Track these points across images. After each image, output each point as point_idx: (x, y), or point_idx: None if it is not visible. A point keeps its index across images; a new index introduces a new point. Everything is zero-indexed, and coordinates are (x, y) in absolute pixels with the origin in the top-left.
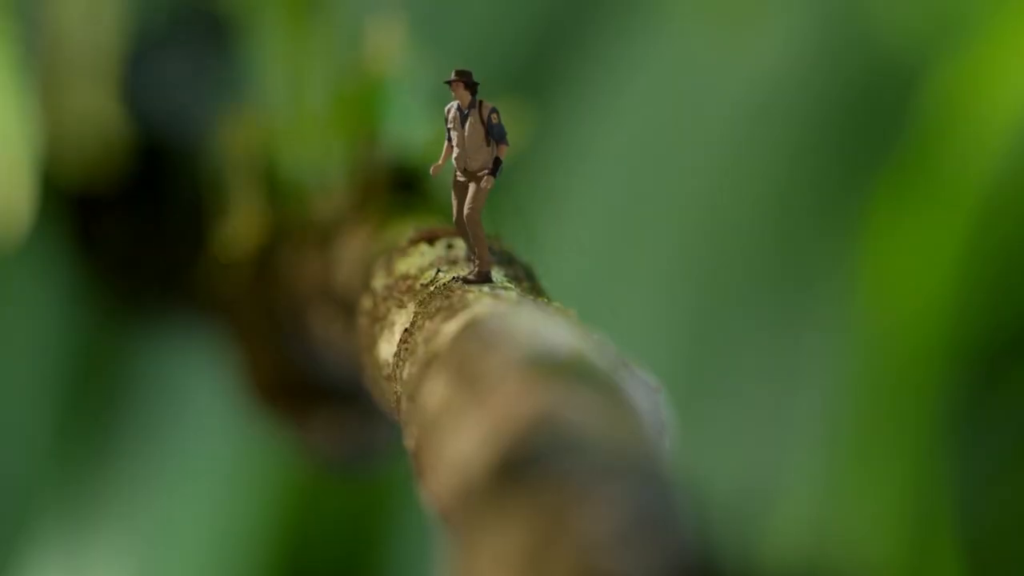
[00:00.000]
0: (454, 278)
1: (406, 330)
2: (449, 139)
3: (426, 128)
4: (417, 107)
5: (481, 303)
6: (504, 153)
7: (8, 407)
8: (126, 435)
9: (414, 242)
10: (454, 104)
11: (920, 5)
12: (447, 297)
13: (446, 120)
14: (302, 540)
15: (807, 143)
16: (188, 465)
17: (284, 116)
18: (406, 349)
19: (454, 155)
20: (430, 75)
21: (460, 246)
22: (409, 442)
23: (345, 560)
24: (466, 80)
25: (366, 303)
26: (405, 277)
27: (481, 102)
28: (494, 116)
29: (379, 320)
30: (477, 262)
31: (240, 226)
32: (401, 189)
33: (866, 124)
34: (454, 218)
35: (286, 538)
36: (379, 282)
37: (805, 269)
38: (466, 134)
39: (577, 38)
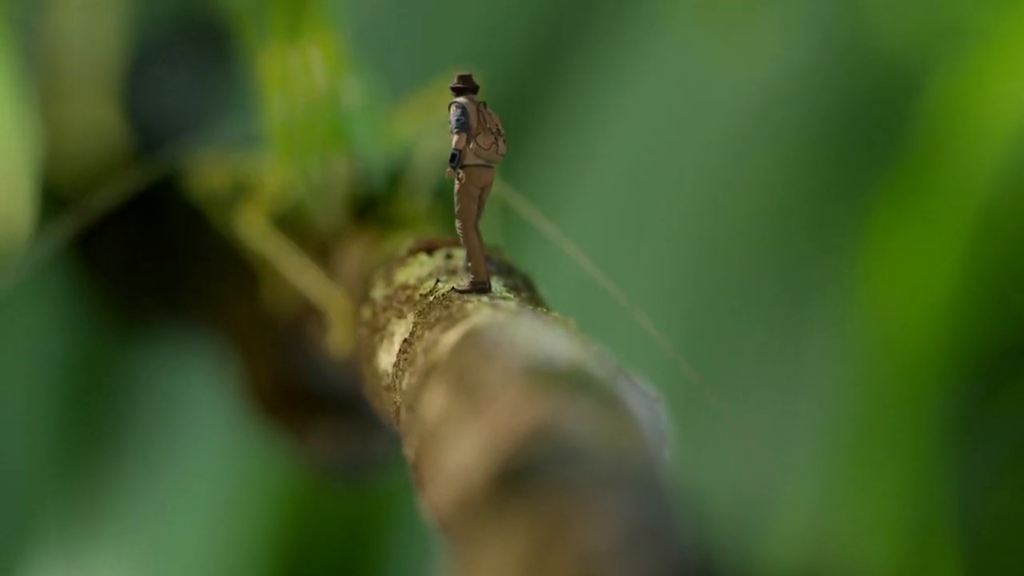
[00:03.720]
0: (452, 288)
1: (405, 340)
2: None
3: (388, 140)
4: (375, 121)
5: (480, 313)
6: (455, 144)
7: (9, 415)
8: (126, 444)
9: (413, 252)
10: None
11: (919, 14)
12: (446, 307)
13: None
14: (301, 549)
15: (807, 150)
16: (188, 474)
17: (276, 129)
18: (405, 359)
19: None
20: (384, 83)
21: (459, 256)
22: (408, 452)
23: (344, 568)
24: (460, 86)
25: (365, 313)
26: (404, 287)
27: (460, 97)
28: (452, 108)
29: (378, 330)
30: (471, 272)
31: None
32: (364, 210)
33: (866, 131)
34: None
35: (285, 547)
36: (378, 292)
37: (805, 276)
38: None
39: (578, 43)
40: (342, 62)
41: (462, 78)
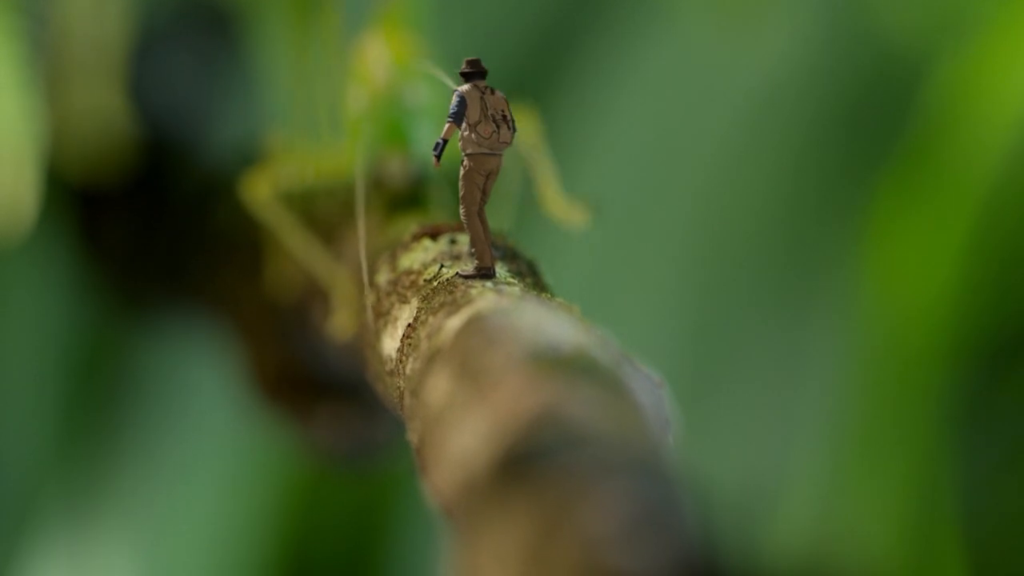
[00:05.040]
0: (457, 274)
1: (409, 325)
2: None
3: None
4: (436, 115)
5: (484, 298)
6: (444, 133)
7: (12, 402)
8: (130, 430)
9: (417, 237)
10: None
11: (925, 3)
12: (450, 292)
13: None
14: (305, 534)
15: (812, 139)
16: (192, 460)
17: (291, 117)
18: (409, 344)
19: None
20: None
21: (464, 241)
22: (412, 437)
23: (348, 554)
24: (469, 70)
25: (369, 298)
26: (408, 272)
27: (467, 84)
28: (453, 96)
29: (382, 315)
30: (475, 257)
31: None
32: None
33: (870, 120)
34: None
35: (290, 533)
36: (382, 277)
37: (810, 265)
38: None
39: (583, 35)
40: (414, 60)
41: (470, 63)
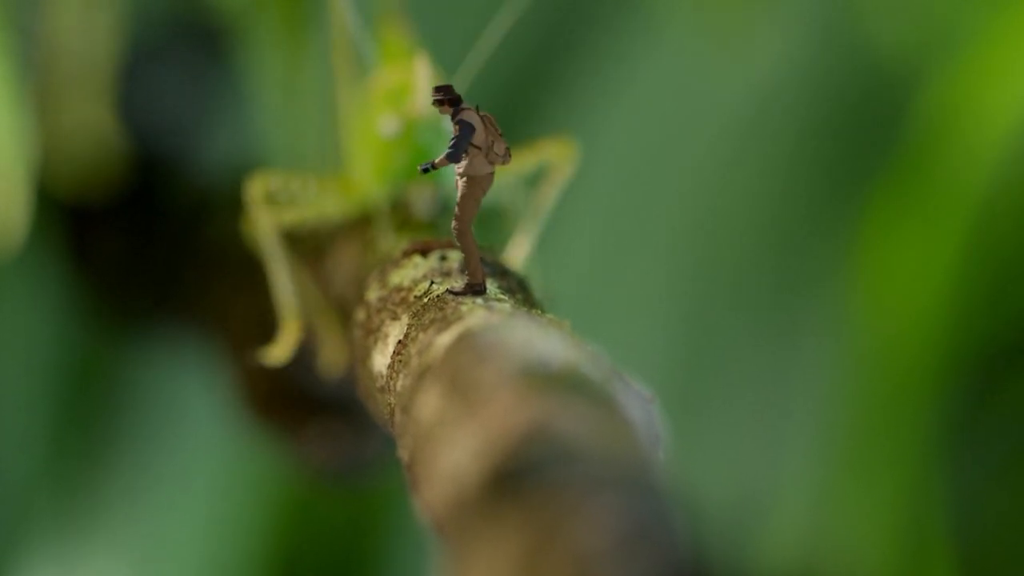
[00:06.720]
0: (447, 290)
1: (400, 342)
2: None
3: None
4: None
5: (474, 315)
6: (442, 163)
7: (3, 418)
8: (120, 445)
9: (408, 254)
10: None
11: (915, 14)
12: (441, 309)
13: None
14: (296, 551)
15: (803, 151)
16: (182, 476)
17: (281, 134)
18: (400, 361)
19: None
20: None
21: (454, 258)
22: (403, 453)
23: (339, 570)
24: (443, 97)
25: (360, 315)
26: (399, 289)
27: (461, 110)
28: (457, 126)
29: (373, 332)
30: (467, 274)
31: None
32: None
33: (862, 131)
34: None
35: (280, 549)
36: (373, 294)
37: (800, 278)
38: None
39: (574, 45)
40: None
41: (444, 89)
